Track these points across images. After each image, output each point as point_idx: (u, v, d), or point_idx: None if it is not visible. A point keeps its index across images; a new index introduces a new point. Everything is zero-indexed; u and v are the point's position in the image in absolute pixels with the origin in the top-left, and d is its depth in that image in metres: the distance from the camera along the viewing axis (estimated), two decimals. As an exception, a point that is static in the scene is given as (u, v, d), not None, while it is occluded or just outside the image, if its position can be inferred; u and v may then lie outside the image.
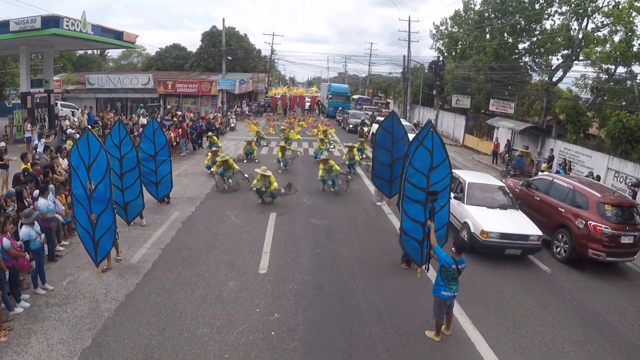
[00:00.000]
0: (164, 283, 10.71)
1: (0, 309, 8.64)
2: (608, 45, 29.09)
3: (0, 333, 8.30)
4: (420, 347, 8.73)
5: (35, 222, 10.08)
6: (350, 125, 44.12)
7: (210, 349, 8.27)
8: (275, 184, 17.08)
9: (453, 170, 12.41)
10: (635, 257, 13.71)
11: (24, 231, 9.77)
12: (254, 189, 17.30)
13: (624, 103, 28.71)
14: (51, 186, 12.20)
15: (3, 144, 18.46)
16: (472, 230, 13.38)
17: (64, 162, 15.18)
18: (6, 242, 8.82)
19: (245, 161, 25.10)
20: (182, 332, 8.73)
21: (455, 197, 14.65)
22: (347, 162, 23.08)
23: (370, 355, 8.39)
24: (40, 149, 17.84)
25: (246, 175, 19.15)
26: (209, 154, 22.09)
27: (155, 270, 11.39)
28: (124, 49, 79.17)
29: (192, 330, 8.81)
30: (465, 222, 13.97)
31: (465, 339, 9.18)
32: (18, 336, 8.40)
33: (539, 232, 13.32)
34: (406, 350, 8.61)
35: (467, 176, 15.74)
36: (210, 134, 26.31)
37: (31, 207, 10.69)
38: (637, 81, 27.42)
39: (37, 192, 11.73)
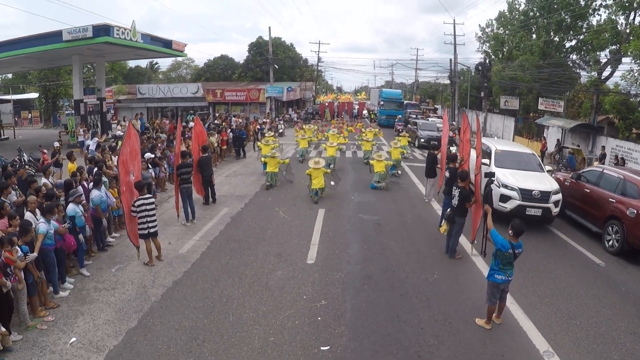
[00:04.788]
0: (212, 271, 10.79)
1: (46, 290, 8.91)
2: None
3: (46, 312, 8.59)
4: (471, 335, 8.47)
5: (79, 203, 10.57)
6: (422, 140, 34.58)
7: (255, 332, 8.23)
8: (316, 181, 17.20)
9: None
10: None
11: (71, 207, 10.28)
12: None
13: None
14: (104, 179, 12.45)
15: (57, 144, 18.95)
16: None
17: (114, 159, 15.47)
18: (53, 224, 9.21)
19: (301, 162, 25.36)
20: (227, 316, 8.74)
21: None
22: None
23: (419, 341, 8.16)
24: (92, 147, 18.23)
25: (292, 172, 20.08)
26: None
27: (203, 260, 11.49)
28: (173, 61, 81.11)
29: (238, 315, 8.80)
30: None
31: (517, 327, 8.85)
32: (65, 316, 8.64)
33: None
34: (456, 337, 8.35)
35: None
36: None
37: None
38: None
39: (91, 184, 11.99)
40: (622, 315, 9.58)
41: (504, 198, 14.63)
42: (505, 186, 14.75)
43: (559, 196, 14.90)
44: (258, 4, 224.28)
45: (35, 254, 8.38)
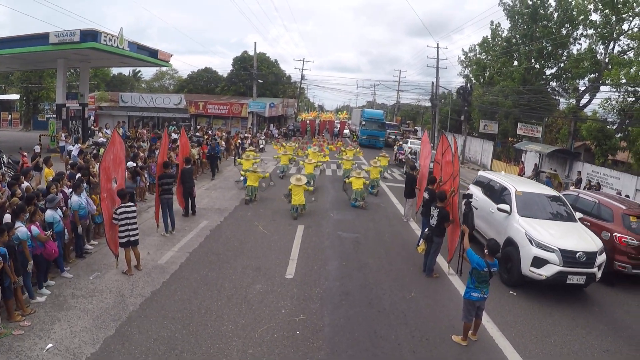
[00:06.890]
0: (191, 283, 10.78)
1: (21, 296, 8.84)
2: (633, 68, 28.76)
3: (21, 318, 8.54)
4: (447, 351, 8.62)
5: (58, 208, 10.53)
6: None
7: (234, 344, 8.25)
8: (297, 198, 17.37)
9: None
10: None
11: (49, 214, 10.24)
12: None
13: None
14: (85, 186, 12.39)
15: (38, 148, 18.82)
16: None
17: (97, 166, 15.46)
18: (35, 229, 9.21)
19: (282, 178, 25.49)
20: (206, 328, 8.75)
21: None
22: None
23: (396, 357, 8.28)
24: (75, 152, 18.14)
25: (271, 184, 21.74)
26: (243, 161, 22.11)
27: (182, 271, 11.47)
28: (157, 71, 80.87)
29: (216, 327, 8.82)
30: None
31: (493, 345, 9.03)
32: (42, 322, 8.58)
33: None
34: (432, 354, 8.50)
35: None
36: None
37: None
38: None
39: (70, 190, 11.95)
40: (595, 334, 9.88)
41: (539, 262, 11.15)
42: (541, 246, 11.27)
43: (604, 257, 11.61)
44: (245, 19, 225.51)
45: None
